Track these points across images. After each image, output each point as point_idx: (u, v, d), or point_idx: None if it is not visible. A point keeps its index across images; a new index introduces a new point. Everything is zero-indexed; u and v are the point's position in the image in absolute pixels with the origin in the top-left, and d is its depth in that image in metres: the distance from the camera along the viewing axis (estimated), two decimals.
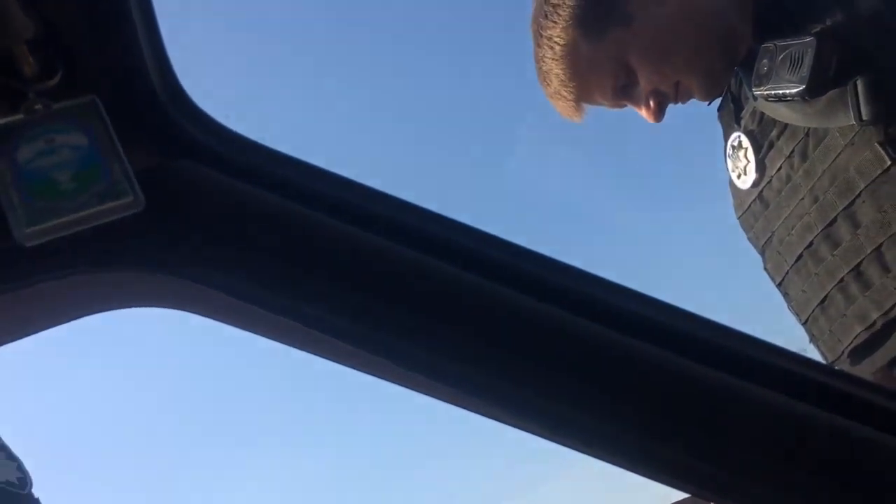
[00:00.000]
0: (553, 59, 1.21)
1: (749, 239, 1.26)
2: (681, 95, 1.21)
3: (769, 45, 1.07)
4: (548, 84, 1.24)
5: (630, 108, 1.25)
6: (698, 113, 1.26)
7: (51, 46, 0.48)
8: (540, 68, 1.24)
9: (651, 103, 1.20)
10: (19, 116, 0.48)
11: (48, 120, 0.48)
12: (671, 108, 1.24)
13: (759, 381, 0.56)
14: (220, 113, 0.51)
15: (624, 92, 1.22)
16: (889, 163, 1.00)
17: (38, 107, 0.48)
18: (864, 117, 1.00)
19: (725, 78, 1.20)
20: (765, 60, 1.08)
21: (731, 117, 1.22)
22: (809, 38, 1.03)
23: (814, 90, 1.04)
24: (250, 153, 0.52)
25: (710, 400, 0.56)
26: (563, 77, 1.21)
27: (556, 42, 1.19)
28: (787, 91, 1.06)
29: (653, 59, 1.17)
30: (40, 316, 0.50)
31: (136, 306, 0.52)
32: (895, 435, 0.56)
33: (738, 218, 1.27)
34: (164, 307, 0.52)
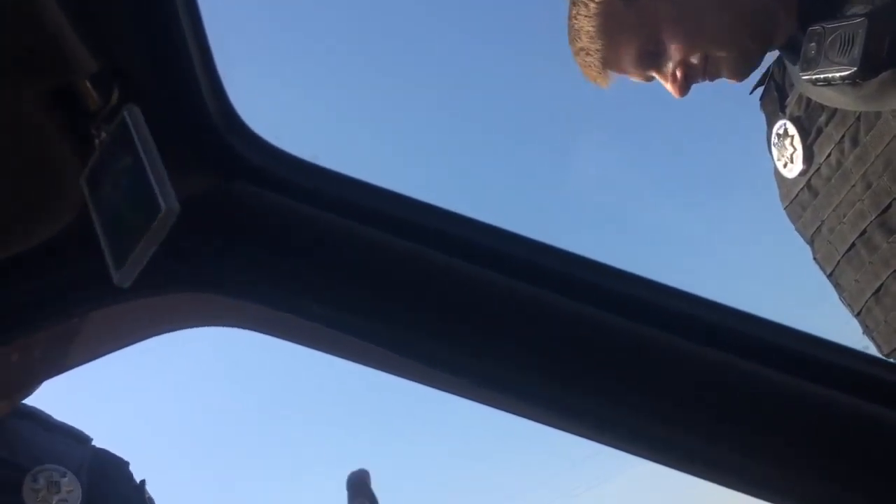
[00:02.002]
0: (586, 17, 1.19)
1: (797, 229, 1.24)
2: (709, 70, 1.17)
3: (817, 27, 1.05)
4: (576, 41, 1.22)
5: (657, 81, 1.21)
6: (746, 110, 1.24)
7: (112, 79, 0.49)
8: (571, 26, 1.22)
9: (678, 74, 1.17)
10: (97, 156, 0.49)
11: (108, 149, 0.49)
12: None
13: (812, 377, 0.56)
14: (272, 134, 0.52)
15: (651, 60, 1.18)
16: None
17: (103, 136, 0.50)
18: None
19: (757, 58, 1.17)
20: (812, 44, 1.05)
21: (776, 105, 1.19)
22: (860, 19, 1.00)
23: (866, 72, 1.01)
24: (303, 173, 0.54)
25: (767, 397, 0.56)
26: (592, 34, 1.19)
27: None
28: (838, 74, 1.04)
29: (685, 28, 1.14)
30: (105, 339, 0.52)
31: (196, 326, 0.54)
32: None
33: (785, 208, 1.25)
34: (224, 326, 0.54)
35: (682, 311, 0.57)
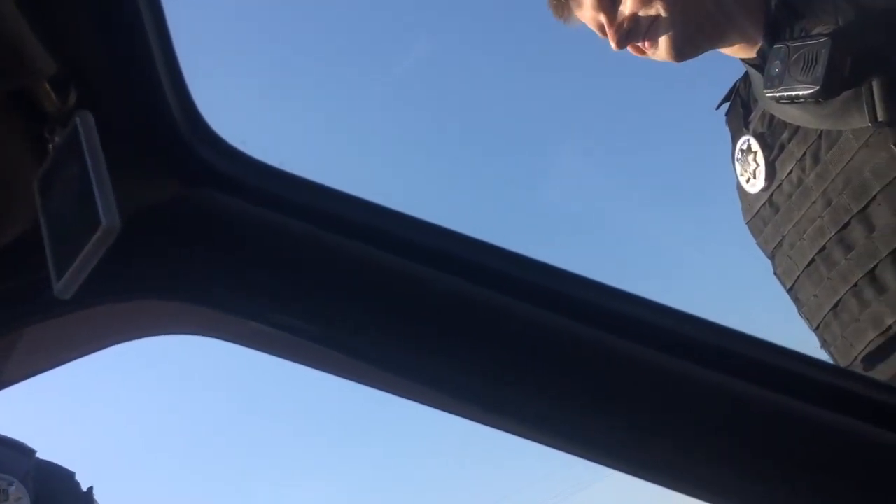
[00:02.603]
0: None
1: (758, 244, 1.26)
2: (651, 33, 1.17)
3: (781, 45, 1.07)
4: None
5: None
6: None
7: (71, 81, 0.48)
8: None
9: (624, 25, 1.17)
10: (49, 161, 0.47)
11: (60, 154, 0.47)
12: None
13: (764, 383, 0.56)
14: (239, 139, 0.51)
15: (608, 3, 1.18)
16: None
17: (56, 140, 0.48)
18: (880, 118, 1.00)
19: (699, 45, 1.18)
20: (777, 62, 1.07)
21: (740, 121, 1.21)
22: (823, 39, 1.03)
23: (828, 91, 1.03)
24: (270, 179, 0.53)
25: (719, 404, 0.56)
26: None
27: None
28: (801, 92, 1.05)
29: None
30: (64, 347, 0.51)
31: (159, 335, 0.53)
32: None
33: (747, 223, 1.27)
34: (189, 334, 0.53)
35: (674, 328, 0.57)
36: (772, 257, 1.23)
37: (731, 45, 1.18)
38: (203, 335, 0.53)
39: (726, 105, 1.28)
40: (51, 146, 0.48)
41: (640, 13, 1.16)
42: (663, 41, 1.16)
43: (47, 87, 0.47)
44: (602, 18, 1.20)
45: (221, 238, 0.52)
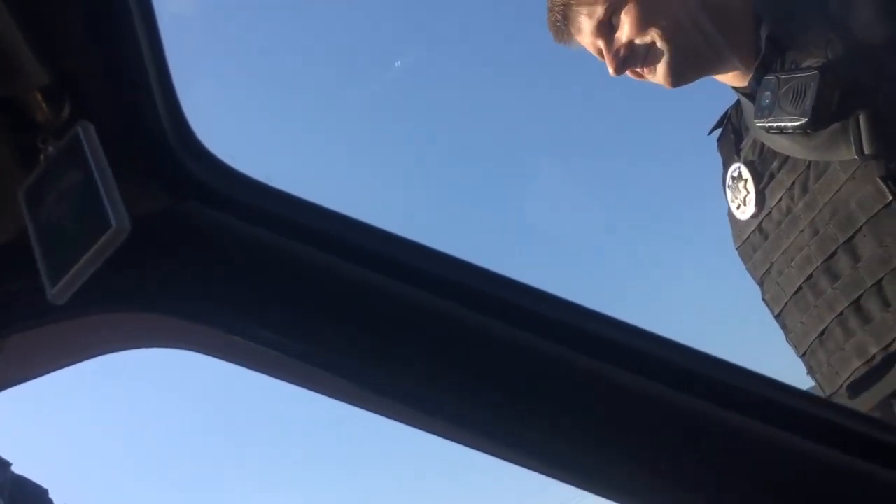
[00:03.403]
0: None
1: (747, 269, 1.27)
2: (648, 60, 1.21)
3: (772, 77, 1.08)
4: None
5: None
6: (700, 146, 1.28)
7: (63, 93, 0.48)
8: None
9: (621, 52, 1.21)
10: (41, 169, 0.48)
11: (55, 163, 0.48)
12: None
13: (750, 413, 0.56)
14: (228, 154, 0.52)
15: (606, 31, 1.22)
16: (890, 198, 1.01)
17: (50, 150, 0.49)
18: (866, 152, 1.01)
19: (696, 70, 1.21)
20: (767, 92, 1.08)
21: (732, 148, 1.23)
22: (812, 72, 1.04)
23: (816, 123, 1.05)
24: (257, 195, 0.53)
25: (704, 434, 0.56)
26: None
27: None
28: (790, 124, 1.07)
29: (640, 11, 1.19)
30: (48, 357, 0.50)
31: (143, 347, 0.53)
32: (886, 467, 0.56)
33: (737, 248, 1.28)
34: (173, 348, 0.53)
35: (653, 352, 0.57)
36: (760, 283, 1.24)
37: (725, 73, 1.20)
38: (186, 349, 0.53)
39: (718, 131, 1.30)
40: (42, 156, 0.48)
41: (637, 41, 1.20)
42: (660, 68, 1.20)
43: (39, 97, 0.48)
44: (601, 44, 1.23)
45: (208, 252, 0.52)
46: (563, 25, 1.26)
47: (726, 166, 1.24)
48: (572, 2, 1.24)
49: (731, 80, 1.22)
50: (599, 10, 1.21)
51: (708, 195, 1.30)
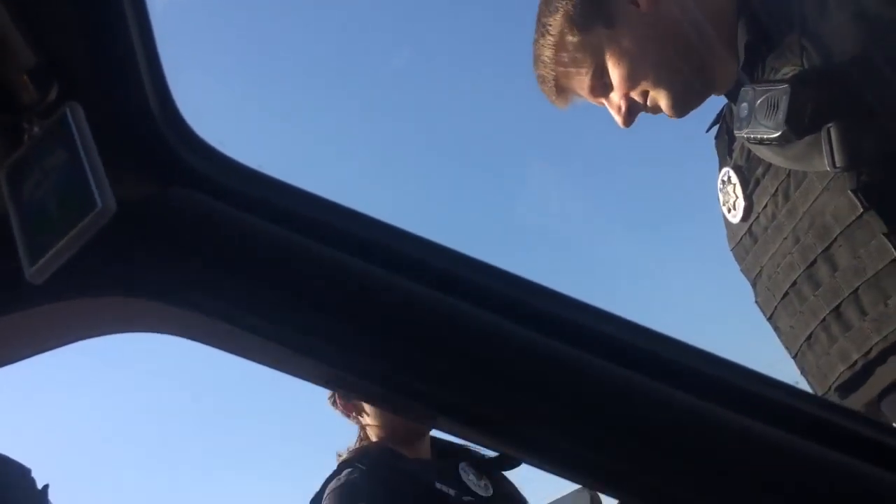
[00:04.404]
0: (543, 45, 1.27)
1: (741, 271, 1.28)
2: (650, 105, 1.24)
3: (748, 88, 1.10)
4: (537, 67, 1.30)
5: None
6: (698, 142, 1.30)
7: (51, 75, 0.48)
8: (533, 51, 1.31)
9: (622, 107, 1.25)
10: (24, 148, 0.48)
11: (40, 144, 0.48)
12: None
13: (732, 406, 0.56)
14: (218, 139, 0.51)
15: (601, 90, 1.26)
16: (861, 210, 1.02)
17: (35, 130, 0.48)
18: (838, 164, 1.02)
19: (695, 99, 1.24)
20: (744, 104, 1.10)
21: (725, 149, 1.25)
22: (784, 85, 1.06)
23: (789, 136, 1.06)
24: (248, 181, 0.53)
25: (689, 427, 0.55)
26: (549, 63, 1.28)
27: (548, 29, 1.26)
28: (765, 136, 1.08)
29: (627, 66, 1.22)
30: (32, 341, 0.49)
31: (129, 332, 0.52)
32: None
33: (731, 250, 1.29)
34: (159, 333, 0.52)
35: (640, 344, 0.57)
36: (753, 286, 1.26)
37: (723, 86, 1.23)
38: (172, 334, 0.52)
39: (716, 128, 1.32)
40: (26, 136, 0.47)
41: (631, 94, 1.24)
42: (663, 107, 1.23)
43: (26, 79, 0.47)
44: (601, 103, 1.28)
45: (196, 237, 0.51)
46: (559, 95, 1.30)
47: (720, 167, 1.27)
48: (559, 75, 1.28)
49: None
50: (586, 79, 1.25)
51: (710, 193, 1.32)
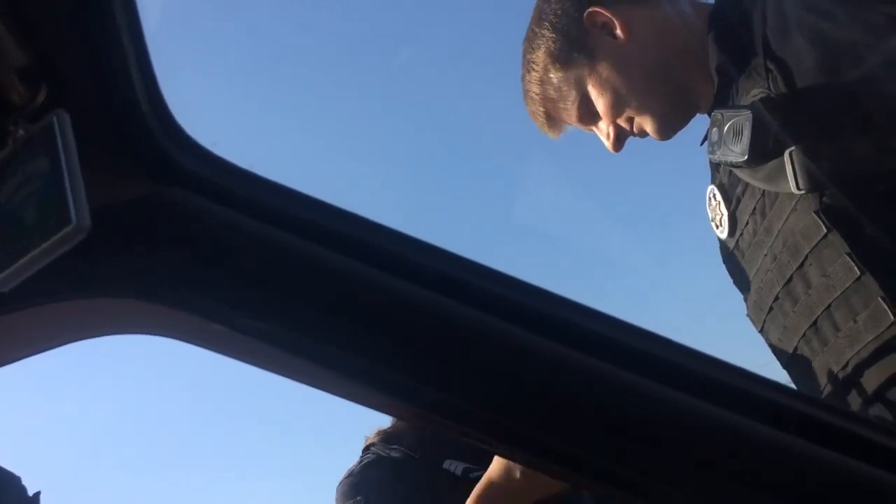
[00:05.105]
0: (530, 81, 1.31)
1: (734, 284, 1.30)
2: (637, 130, 1.28)
3: (717, 113, 1.13)
4: (528, 102, 1.35)
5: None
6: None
7: (40, 75, 0.48)
8: (522, 87, 1.35)
9: (610, 134, 1.28)
10: (7, 151, 0.47)
11: (24, 148, 0.47)
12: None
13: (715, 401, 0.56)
14: (209, 140, 0.51)
15: (588, 119, 1.30)
16: (825, 230, 1.04)
17: (21, 133, 0.47)
18: (801, 187, 1.05)
19: (679, 122, 1.28)
20: (714, 129, 1.13)
21: (714, 165, 1.27)
22: (746, 112, 1.09)
23: (753, 161, 1.08)
24: (240, 181, 0.52)
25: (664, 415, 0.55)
26: (537, 98, 1.32)
27: (533, 66, 1.30)
28: (733, 160, 1.11)
29: (608, 95, 1.25)
30: (21, 343, 0.47)
31: (121, 333, 0.50)
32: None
33: (724, 263, 1.31)
34: (151, 334, 0.50)
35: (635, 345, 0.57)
36: (745, 299, 1.27)
37: (706, 110, 1.25)
38: (165, 335, 0.50)
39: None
40: (11, 140, 0.47)
41: (617, 121, 1.28)
42: (649, 131, 1.27)
43: (14, 78, 0.47)
44: (592, 130, 1.32)
45: (188, 238, 0.50)
46: (551, 127, 1.35)
47: (710, 182, 1.29)
48: (548, 109, 1.32)
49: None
50: (573, 110, 1.29)
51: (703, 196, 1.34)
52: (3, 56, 0.46)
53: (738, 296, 1.30)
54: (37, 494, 1.18)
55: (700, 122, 1.29)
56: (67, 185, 0.44)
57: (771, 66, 1.07)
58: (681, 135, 1.32)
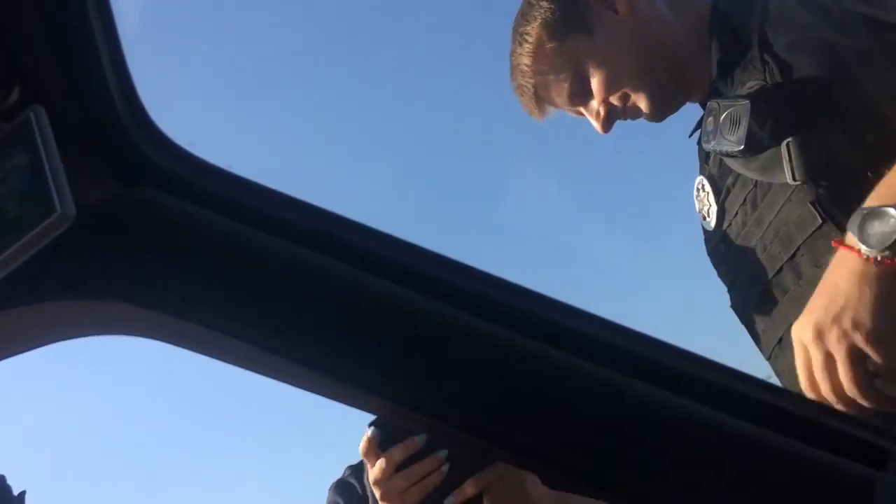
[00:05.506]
0: (521, 54, 1.29)
1: (718, 275, 1.30)
2: (629, 110, 1.26)
3: (713, 103, 1.13)
4: (515, 77, 1.31)
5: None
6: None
7: (13, 74, 0.47)
8: (511, 62, 1.31)
9: (601, 112, 1.26)
10: None
11: (1, 145, 0.47)
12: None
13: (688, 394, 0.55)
14: (186, 139, 0.51)
15: (580, 98, 1.28)
16: (820, 221, 1.04)
17: None
18: (797, 177, 1.05)
19: (673, 103, 1.27)
20: (710, 118, 1.13)
21: (703, 156, 1.27)
22: (745, 102, 1.08)
23: (749, 151, 1.08)
24: (216, 181, 0.52)
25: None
26: (526, 71, 1.29)
27: (526, 38, 1.27)
28: (729, 149, 1.11)
29: (605, 71, 1.24)
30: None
31: (98, 334, 0.50)
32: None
33: (708, 255, 1.31)
34: (128, 335, 0.50)
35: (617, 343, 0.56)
36: (729, 291, 1.27)
37: (700, 92, 1.25)
38: (141, 336, 0.50)
39: (698, 133, 1.34)
40: None
41: (610, 99, 1.26)
42: (643, 110, 1.26)
43: None
44: (580, 111, 1.30)
45: (164, 238, 0.50)
46: (538, 105, 1.32)
47: (699, 173, 1.28)
48: (538, 84, 1.29)
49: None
50: (565, 85, 1.27)
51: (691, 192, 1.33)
52: None
53: (722, 290, 1.30)
54: (22, 494, 1.18)
55: (686, 118, 1.29)
56: (49, 176, 0.44)
57: (768, 59, 1.06)
58: (667, 132, 1.31)
